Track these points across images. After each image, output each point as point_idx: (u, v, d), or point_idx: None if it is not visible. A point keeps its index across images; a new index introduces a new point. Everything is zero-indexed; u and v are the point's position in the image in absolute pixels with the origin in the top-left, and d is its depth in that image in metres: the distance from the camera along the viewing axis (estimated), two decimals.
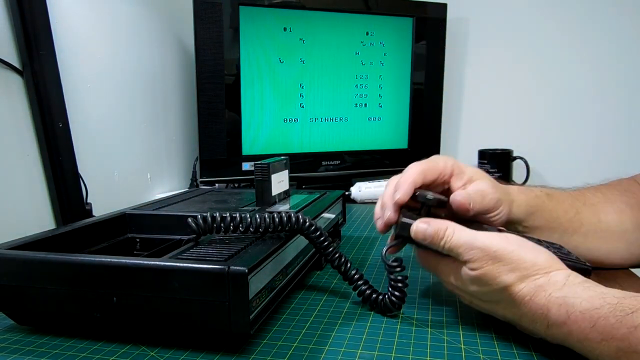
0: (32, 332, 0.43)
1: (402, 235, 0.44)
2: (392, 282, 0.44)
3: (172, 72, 1.08)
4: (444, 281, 0.43)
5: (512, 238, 0.40)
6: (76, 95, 0.79)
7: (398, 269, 0.44)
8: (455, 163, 0.48)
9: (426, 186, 0.47)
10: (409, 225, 0.43)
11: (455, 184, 0.48)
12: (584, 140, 1.25)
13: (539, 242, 0.42)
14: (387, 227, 0.46)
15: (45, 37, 0.70)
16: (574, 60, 1.23)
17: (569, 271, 0.38)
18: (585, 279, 0.37)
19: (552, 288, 0.36)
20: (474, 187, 0.46)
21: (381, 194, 0.48)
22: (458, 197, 0.45)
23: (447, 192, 0.48)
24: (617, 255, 0.53)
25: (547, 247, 0.41)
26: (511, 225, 0.50)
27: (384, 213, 0.46)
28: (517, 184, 0.53)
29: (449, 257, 0.41)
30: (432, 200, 0.43)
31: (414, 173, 0.46)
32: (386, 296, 0.44)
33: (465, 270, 0.40)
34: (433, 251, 0.43)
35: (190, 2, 0.96)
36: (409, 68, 1.18)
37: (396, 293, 0.44)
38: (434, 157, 0.49)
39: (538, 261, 0.38)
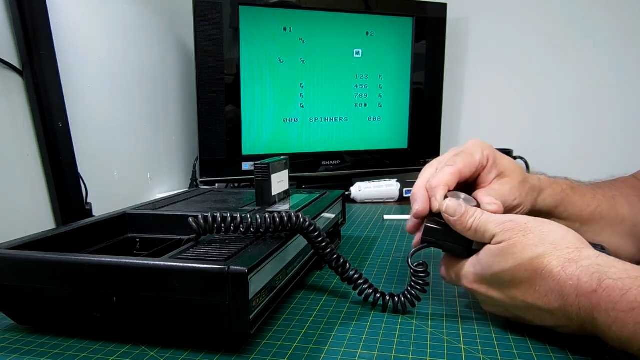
0: (32, 332, 0.43)
1: (427, 239, 0.44)
2: (414, 279, 0.44)
3: (172, 72, 1.09)
4: (466, 277, 0.42)
5: (539, 218, 0.40)
6: (76, 95, 0.79)
7: (422, 275, 0.44)
8: (492, 153, 0.48)
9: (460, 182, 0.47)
10: (435, 229, 0.44)
11: (485, 176, 0.48)
12: (584, 140, 1.25)
13: None
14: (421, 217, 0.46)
15: (45, 37, 0.70)
16: (573, 60, 1.23)
17: (599, 252, 0.37)
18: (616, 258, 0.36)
19: (584, 260, 0.35)
20: (498, 191, 0.46)
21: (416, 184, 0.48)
22: (492, 208, 0.44)
23: (476, 181, 0.48)
24: (627, 249, 0.54)
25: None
26: (535, 216, 0.51)
27: (415, 207, 0.46)
28: (545, 175, 0.54)
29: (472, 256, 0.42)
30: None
31: (449, 175, 0.45)
32: (406, 292, 0.45)
33: (490, 248, 0.39)
34: (459, 255, 0.43)
35: (190, 2, 0.96)
36: (409, 68, 1.18)
37: (417, 287, 0.44)
38: (471, 148, 0.48)
39: (568, 237, 0.38)
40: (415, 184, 0.48)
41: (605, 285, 0.33)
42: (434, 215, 0.45)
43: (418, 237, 0.47)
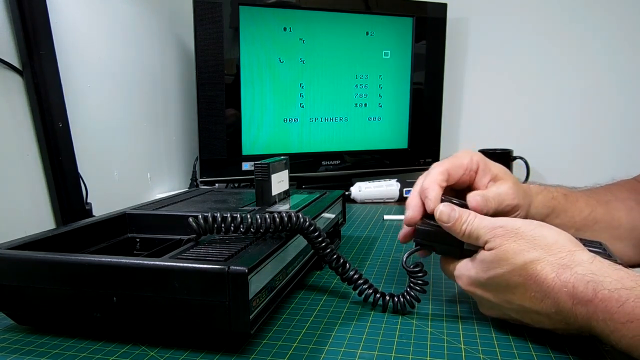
0: (32, 332, 0.43)
1: (419, 241, 0.45)
2: (412, 280, 0.45)
3: (172, 72, 1.09)
4: (461, 279, 0.42)
5: (533, 221, 0.40)
6: (76, 95, 0.79)
7: (420, 274, 0.45)
8: (482, 159, 0.48)
9: (451, 185, 0.47)
10: (426, 231, 0.44)
11: (479, 181, 0.48)
12: (584, 140, 1.25)
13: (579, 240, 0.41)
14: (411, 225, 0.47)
15: (45, 37, 0.70)
16: (573, 60, 1.23)
17: (593, 254, 0.37)
18: (611, 262, 0.36)
19: (578, 267, 0.35)
20: (494, 191, 0.46)
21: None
22: (473, 202, 0.44)
23: (471, 188, 0.48)
24: (625, 253, 0.54)
25: (586, 245, 0.39)
26: None
27: (407, 214, 0.46)
28: (536, 183, 0.54)
29: (467, 257, 0.42)
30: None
31: (437, 175, 0.46)
32: (405, 293, 0.45)
33: (484, 253, 0.39)
34: (452, 256, 0.43)
35: (190, 2, 0.96)
36: (409, 68, 1.18)
37: (417, 288, 0.44)
38: (459, 153, 0.49)
39: (560, 240, 0.38)
40: (411, 192, 0.48)
41: (601, 296, 0.33)
42: (425, 217, 0.45)
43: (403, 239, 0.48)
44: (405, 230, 0.48)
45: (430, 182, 0.45)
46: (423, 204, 0.46)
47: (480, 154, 0.49)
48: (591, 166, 1.23)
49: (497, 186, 0.47)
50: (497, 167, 0.49)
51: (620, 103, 1.21)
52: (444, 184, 0.46)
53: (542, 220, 0.50)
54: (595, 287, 0.34)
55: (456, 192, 0.49)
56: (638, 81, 1.20)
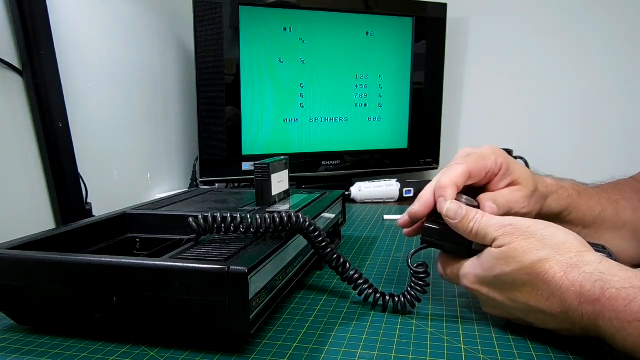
0: (32, 332, 0.43)
1: (427, 239, 0.45)
2: (414, 279, 0.45)
3: (172, 72, 1.09)
4: (467, 278, 0.42)
5: (541, 221, 0.39)
6: (76, 95, 0.79)
7: (423, 275, 0.44)
8: (505, 161, 0.47)
9: (469, 185, 0.46)
10: (434, 230, 0.44)
11: (496, 183, 0.47)
12: (584, 140, 1.25)
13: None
14: (412, 221, 0.47)
15: (45, 37, 0.70)
16: (573, 60, 1.23)
17: (602, 255, 0.37)
18: (619, 263, 0.36)
19: (587, 266, 0.35)
20: (506, 197, 0.46)
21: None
22: (487, 209, 0.44)
23: (486, 186, 0.48)
24: (627, 253, 0.54)
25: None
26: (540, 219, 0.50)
27: (413, 207, 0.46)
28: (551, 176, 0.53)
29: (471, 257, 0.42)
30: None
31: (458, 175, 0.44)
32: (406, 292, 0.45)
33: (491, 251, 0.39)
34: (459, 256, 0.43)
35: (190, 2, 0.96)
36: (409, 68, 1.18)
37: (417, 288, 0.44)
38: (485, 152, 0.47)
39: (570, 240, 0.37)
40: (428, 184, 0.47)
41: (609, 295, 0.33)
42: (434, 216, 0.45)
43: (407, 231, 0.48)
44: (405, 218, 0.47)
45: (449, 181, 0.44)
46: (434, 201, 0.45)
47: (505, 154, 0.48)
48: (591, 166, 1.23)
49: (510, 191, 0.46)
50: (519, 172, 0.48)
51: (620, 103, 1.21)
52: (462, 185, 0.45)
53: (555, 217, 0.50)
54: (603, 285, 0.33)
55: (468, 187, 0.48)
56: (638, 81, 1.19)
